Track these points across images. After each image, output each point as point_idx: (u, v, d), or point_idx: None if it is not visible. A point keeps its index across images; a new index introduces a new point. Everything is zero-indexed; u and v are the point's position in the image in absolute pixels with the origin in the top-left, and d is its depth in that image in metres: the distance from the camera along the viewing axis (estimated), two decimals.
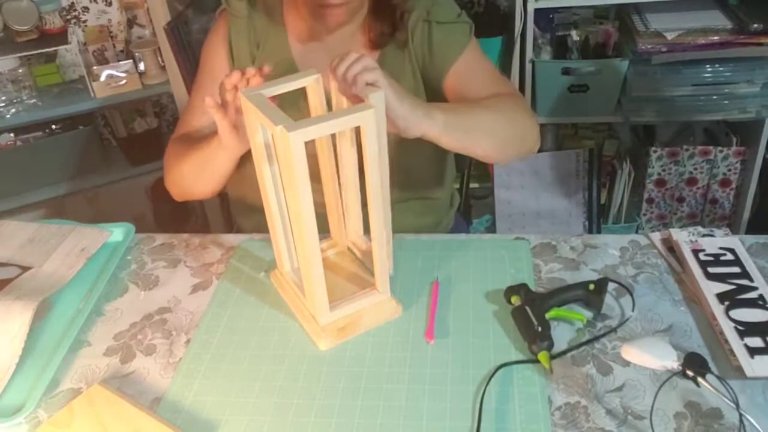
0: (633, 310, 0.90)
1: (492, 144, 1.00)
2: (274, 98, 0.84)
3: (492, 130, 0.99)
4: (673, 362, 0.76)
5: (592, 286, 0.90)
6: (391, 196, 0.87)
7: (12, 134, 2.13)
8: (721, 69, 1.77)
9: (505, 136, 1.02)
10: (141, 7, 2.13)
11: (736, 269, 0.94)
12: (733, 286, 0.91)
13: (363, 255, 0.99)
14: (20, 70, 2.10)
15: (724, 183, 1.98)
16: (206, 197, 1.14)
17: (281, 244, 0.95)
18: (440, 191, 1.24)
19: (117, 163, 2.25)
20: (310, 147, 0.77)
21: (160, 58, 2.08)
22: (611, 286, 0.93)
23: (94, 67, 2.08)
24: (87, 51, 2.15)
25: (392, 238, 0.96)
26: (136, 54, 2.12)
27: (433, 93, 1.13)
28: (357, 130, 0.80)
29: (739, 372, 0.79)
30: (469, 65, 1.11)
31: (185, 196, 1.15)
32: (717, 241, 0.99)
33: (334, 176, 0.93)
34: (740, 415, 0.71)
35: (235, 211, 1.29)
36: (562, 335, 0.87)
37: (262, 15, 1.13)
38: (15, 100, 2.07)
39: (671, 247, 1.00)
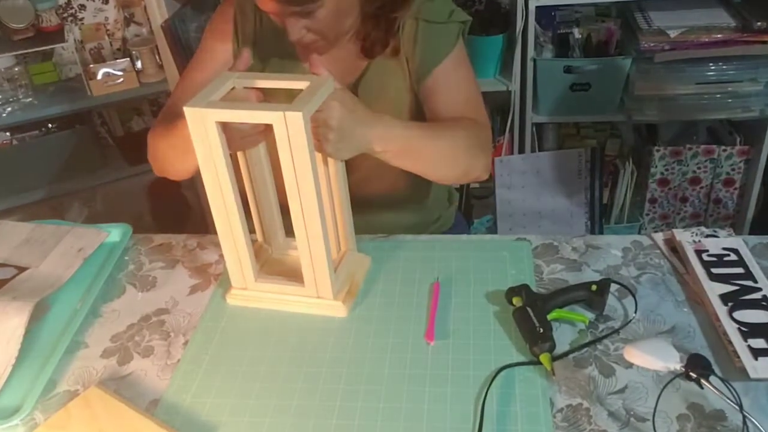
0: (635, 312, 0.89)
1: (430, 172, 1.02)
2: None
3: (436, 162, 1.00)
4: (675, 364, 0.75)
5: (594, 287, 0.89)
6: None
7: (8, 133, 2.12)
8: (724, 67, 1.76)
9: (446, 168, 1.02)
10: (138, 5, 2.12)
11: (739, 270, 0.93)
12: (737, 287, 0.90)
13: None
14: (16, 69, 2.09)
15: (728, 182, 1.97)
16: (182, 178, 1.11)
17: (243, 254, 0.94)
18: (424, 188, 1.22)
19: (114, 163, 2.24)
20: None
21: (157, 57, 2.07)
22: (613, 287, 0.92)
23: (91, 66, 2.07)
24: (84, 49, 2.14)
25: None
26: (133, 52, 2.11)
27: (419, 101, 1.10)
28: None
29: (743, 373, 0.79)
30: (446, 77, 1.07)
31: (164, 173, 1.11)
32: (720, 241, 0.98)
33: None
34: (744, 416, 0.70)
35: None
36: (563, 337, 0.86)
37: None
38: (11, 99, 2.06)
39: (674, 247, 1.00)
